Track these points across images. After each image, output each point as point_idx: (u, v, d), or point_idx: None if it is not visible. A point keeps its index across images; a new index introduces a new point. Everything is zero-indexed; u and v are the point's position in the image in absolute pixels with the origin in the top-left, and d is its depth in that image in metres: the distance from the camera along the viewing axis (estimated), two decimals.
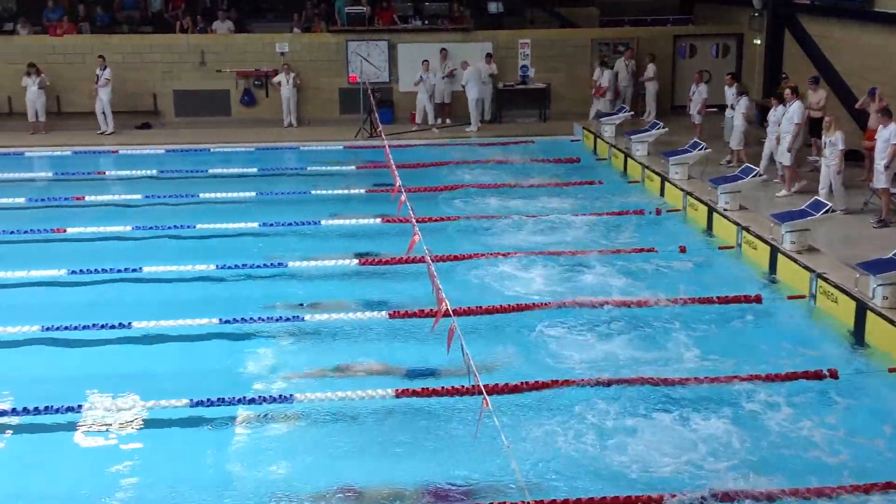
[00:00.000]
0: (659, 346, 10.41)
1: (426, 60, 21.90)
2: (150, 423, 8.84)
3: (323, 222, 14.82)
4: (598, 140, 19.90)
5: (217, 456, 8.33)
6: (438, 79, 22.18)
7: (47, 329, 10.59)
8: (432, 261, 8.88)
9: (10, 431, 8.73)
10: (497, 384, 9.14)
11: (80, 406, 9.00)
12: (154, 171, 18.22)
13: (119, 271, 12.49)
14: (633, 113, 20.64)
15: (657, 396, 9.17)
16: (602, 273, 12.53)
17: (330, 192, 16.74)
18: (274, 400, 9.11)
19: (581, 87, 22.57)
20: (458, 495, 7.70)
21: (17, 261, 12.92)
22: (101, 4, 23.99)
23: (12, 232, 14.27)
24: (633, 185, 17.35)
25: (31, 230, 14.33)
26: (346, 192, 16.74)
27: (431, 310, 10.71)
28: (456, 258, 12.87)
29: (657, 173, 16.67)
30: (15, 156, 19.67)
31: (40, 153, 19.81)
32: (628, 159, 18.14)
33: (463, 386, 9.00)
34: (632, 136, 18.50)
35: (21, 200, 16.20)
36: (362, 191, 16.75)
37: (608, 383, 9.36)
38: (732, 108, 17.26)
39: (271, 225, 14.72)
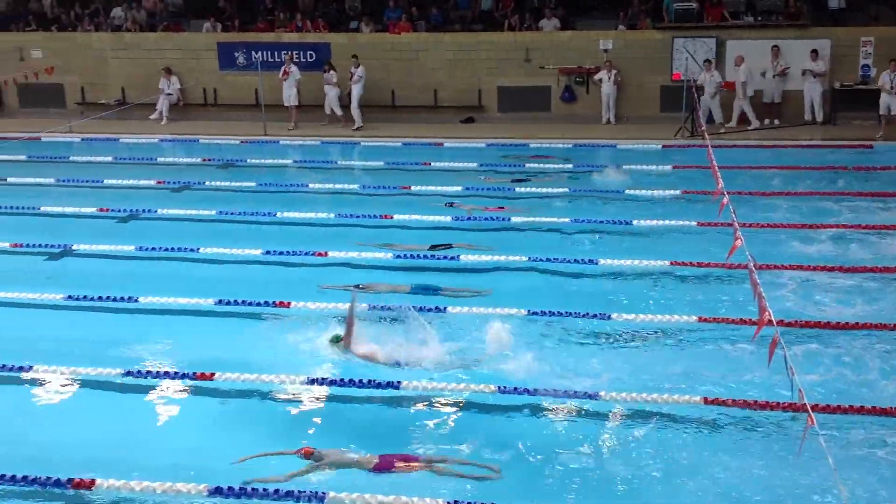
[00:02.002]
0: None
1: (708, 60, 21.15)
2: (404, 400, 9.18)
3: (635, 222, 14.64)
4: None
5: (513, 445, 8.47)
6: (769, 77, 21.25)
7: (373, 308, 11.30)
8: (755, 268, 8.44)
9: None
10: (818, 404, 8.53)
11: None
12: (474, 164, 18.91)
13: (438, 258, 13.10)
14: None
15: None
16: None
17: (645, 191, 16.52)
18: (577, 395, 9.11)
19: None
20: None
21: (347, 244, 13.90)
22: (437, 4, 25.27)
23: (348, 216, 15.42)
24: None
25: (362, 215, 15.39)
26: (661, 192, 16.43)
27: (744, 319, 10.33)
28: (777, 267, 12.18)
29: None
30: (350, 145, 21.26)
31: (373, 143, 21.23)
32: None
33: (780, 402, 8.53)
34: None
35: (355, 187, 17.47)
36: (678, 192, 16.34)
37: None
38: None
39: (582, 221, 14.77)
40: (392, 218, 15.15)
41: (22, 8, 26.65)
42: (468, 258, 13.05)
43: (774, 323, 7.10)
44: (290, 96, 22.79)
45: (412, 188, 17.10)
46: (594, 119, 22.52)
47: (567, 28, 23.90)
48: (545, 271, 12.67)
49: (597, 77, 22.38)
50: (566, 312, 11.04)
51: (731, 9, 22.62)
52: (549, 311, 11.05)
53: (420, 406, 9.13)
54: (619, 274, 12.54)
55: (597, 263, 12.78)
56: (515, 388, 9.20)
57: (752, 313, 9.17)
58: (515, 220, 14.93)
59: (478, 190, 16.75)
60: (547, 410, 9.00)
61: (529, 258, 12.95)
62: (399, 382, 9.37)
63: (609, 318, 10.92)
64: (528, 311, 11.08)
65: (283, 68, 22.71)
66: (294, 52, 23.27)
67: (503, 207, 15.64)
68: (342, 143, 21.33)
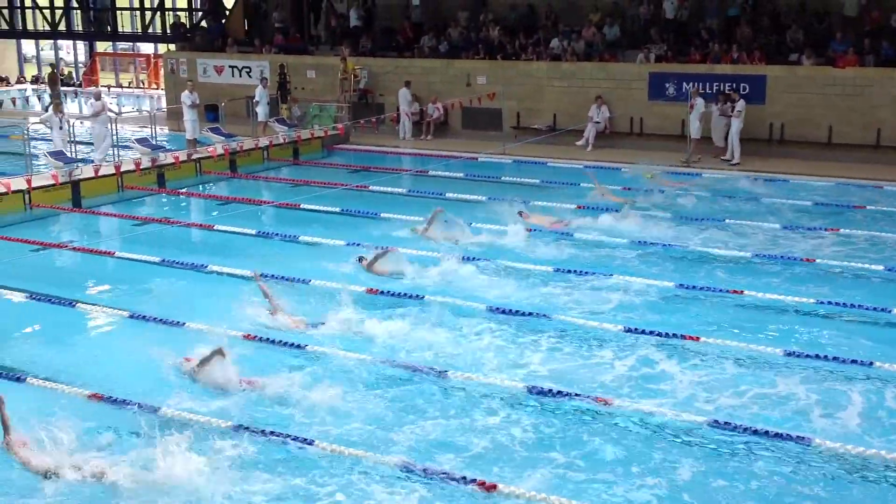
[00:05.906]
0: None
1: None
2: None
3: None
4: None
5: None
6: None
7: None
8: None
9: None
10: None
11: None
12: None
13: (866, 309, 12.13)
14: None
15: None
16: None
17: None
18: None
19: None
20: None
21: (763, 284, 13.36)
22: (890, 37, 23.26)
23: (767, 256, 14.79)
24: None
25: (782, 256, 14.67)
26: None
27: None
28: None
29: None
30: (778, 182, 20.22)
31: (806, 181, 20.07)
32: None
33: None
34: None
35: (776, 225, 16.61)
36: None
37: None
38: None
39: None
40: (814, 261, 14.31)
41: (474, 36, 28.94)
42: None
43: None
44: (695, 129, 22.51)
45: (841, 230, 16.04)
46: None
47: None
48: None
49: None
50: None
51: None
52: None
53: None
54: None
55: None
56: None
57: None
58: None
59: None
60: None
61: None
62: None
63: None
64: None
65: (690, 100, 22.47)
66: (728, 85, 22.82)
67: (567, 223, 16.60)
68: (772, 180, 20.35)
